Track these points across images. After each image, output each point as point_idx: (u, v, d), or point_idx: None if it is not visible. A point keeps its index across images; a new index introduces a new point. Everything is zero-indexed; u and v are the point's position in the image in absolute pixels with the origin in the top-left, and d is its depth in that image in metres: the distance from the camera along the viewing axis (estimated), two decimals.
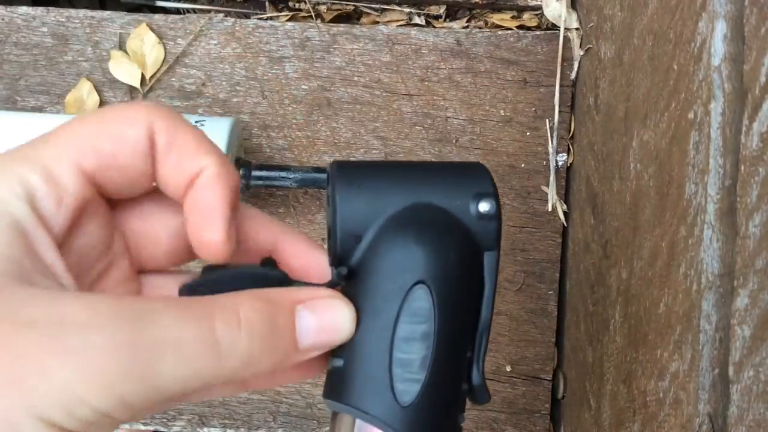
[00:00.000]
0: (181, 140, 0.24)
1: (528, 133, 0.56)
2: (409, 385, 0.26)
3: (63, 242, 0.23)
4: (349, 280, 0.28)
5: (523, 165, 0.56)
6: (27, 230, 0.21)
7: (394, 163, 0.31)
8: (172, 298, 0.23)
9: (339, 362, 0.27)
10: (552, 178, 0.55)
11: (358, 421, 0.27)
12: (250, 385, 0.28)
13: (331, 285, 0.27)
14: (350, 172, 0.29)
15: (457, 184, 0.29)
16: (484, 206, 0.29)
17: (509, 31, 0.57)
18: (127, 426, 0.55)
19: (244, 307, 0.22)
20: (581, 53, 0.55)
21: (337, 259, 0.28)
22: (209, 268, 0.27)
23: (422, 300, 0.27)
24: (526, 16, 0.59)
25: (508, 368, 0.56)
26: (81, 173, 0.23)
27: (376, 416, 0.26)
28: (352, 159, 0.39)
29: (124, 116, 0.24)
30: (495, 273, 0.29)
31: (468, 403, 0.28)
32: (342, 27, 0.56)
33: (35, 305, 0.19)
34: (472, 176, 0.29)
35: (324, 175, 0.50)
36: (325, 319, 0.25)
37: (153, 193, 0.25)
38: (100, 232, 0.24)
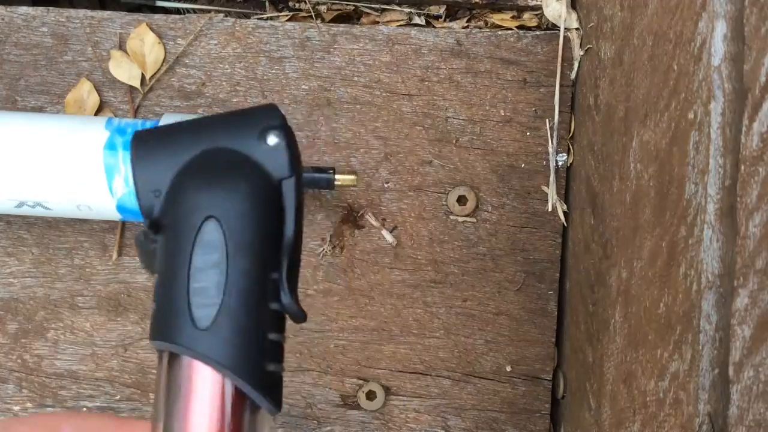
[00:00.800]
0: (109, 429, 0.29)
1: (528, 133, 0.56)
2: (206, 311, 0.28)
3: None
4: (157, 232, 0.30)
5: (523, 165, 0.56)
6: None
7: (188, 121, 0.33)
8: None
9: (153, 305, 0.29)
10: (552, 178, 0.55)
11: (172, 357, 0.28)
12: None
13: (145, 241, 0.30)
14: (147, 136, 0.32)
15: (245, 125, 0.31)
16: (272, 139, 0.31)
17: (509, 31, 0.57)
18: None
19: None
20: (581, 53, 0.55)
21: (145, 213, 0.30)
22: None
23: (213, 233, 0.29)
24: (526, 16, 0.59)
25: (508, 368, 0.56)
26: None
27: (177, 343, 0.28)
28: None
29: (38, 424, 0.28)
30: (295, 198, 0.30)
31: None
32: (342, 27, 0.56)
33: None
34: (261, 115, 0.31)
35: (324, 175, 0.50)
36: None
37: None
38: None
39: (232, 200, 0.30)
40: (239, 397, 0.28)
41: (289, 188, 0.31)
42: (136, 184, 0.30)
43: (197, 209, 0.29)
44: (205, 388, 0.27)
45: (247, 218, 0.30)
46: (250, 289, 0.29)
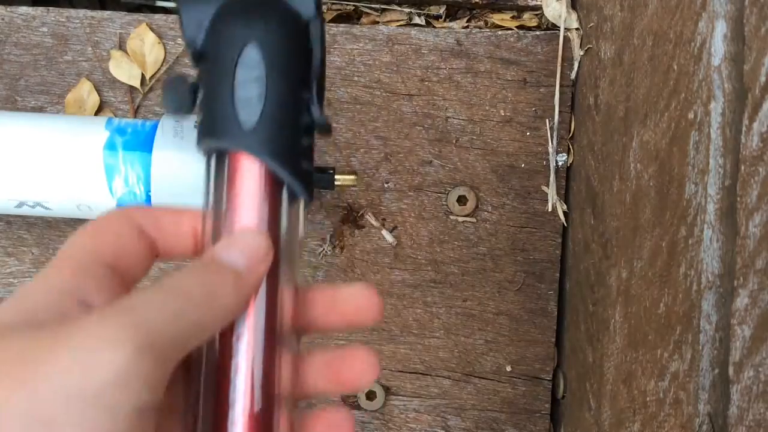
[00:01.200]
0: (165, 216, 0.31)
1: (528, 133, 0.56)
2: (250, 116, 0.32)
3: None
4: (201, 61, 0.34)
5: (523, 165, 0.56)
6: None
7: None
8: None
9: (200, 117, 0.34)
10: (552, 178, 0.55)
11: (220, 155, 0.33)
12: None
13: (177, 80, 0.34)
14: None
15: None
16: None
17: (509, 31, 0.57)
18: None
19: (190, 279, 0.27)
20: (581, 53, 0.55)
21: (189, 42, 0.34)
22: None
23: (253, 54, 0.33)
24: (526, 16, 0.59)
25: (508, 368, 0.56)
26: (106, 265, 0.28)
27: (228, 140, 0.32)
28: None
29: (113, 220, 0.30)
30: (320, 35, 0.35)
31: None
32: (342, 27, 0.56)
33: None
34: None
35: (324, 176, 0.50)
36: (245, 244, 0.30)
37: None
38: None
39: (270, 29, 0.34)
40: (279, 185, 0.32)
41: (315, 28, 0.35)
42: (181, 16, 0.34)
43: (239, 36, 0.33)
44: (251, 178, 0.32)
45: (283, 44, 0.34)
46: (286, 100, 0.34)
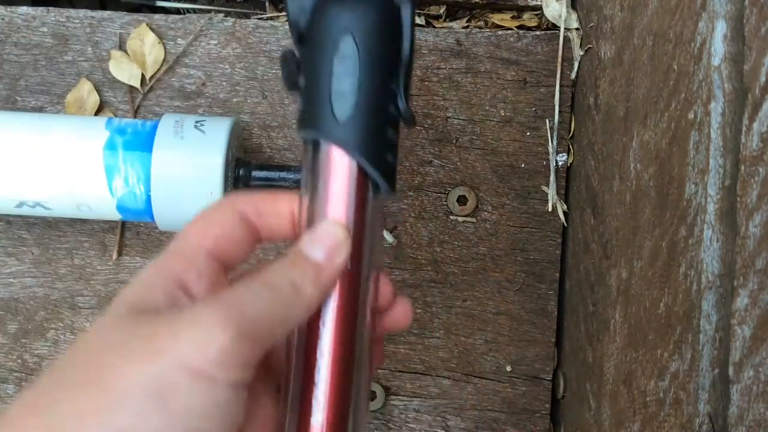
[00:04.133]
0: (265, 202, 0.35)
1: (528, 133, 0.56)
2: (344, 108, 0.35)
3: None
4: (303, 44, 0.37)
5: (523, 165, 0.56)
6: (174, 296, 0.31)
7: None
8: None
9: (300, 105, 0.37)
10: (552, 178, 0.55)
11: (316, 144, 0.36)
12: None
13: (290, 57, 0.37)
14: None
15: None
16: None
17: (509, 31, 0.57)
18: None
19: (276, 271, 0.32)
20: (581, 53, 0.55)
21: (293, 27, 0.37)
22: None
23: (348, 46, 0.36)
24: (526, 16, 0.59)
25: (508, 368, 0.56)
26: (207, 253, 0.33)
27: (322, 131, 0.35)
28: None
29: (218, 209, 0.34)
30: (411, 20, 0.37)
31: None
32: None
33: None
34: None
35: None
36: (324, 238, 0.33)
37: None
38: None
39: (366, 21, 0.37)
40: (365, 177, 0.35)
41: (406, 13, 0.37)
42: (287, 2, 0.37)
43: (337, 26, 0.36)
44: (341, 171, 0.35)
45: (376, 36, 0.37)
46: (376, 93, 0.36)
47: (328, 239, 0.33)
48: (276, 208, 0.35)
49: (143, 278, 0.31)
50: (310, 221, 0.35)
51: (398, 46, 0.38)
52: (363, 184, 0.36)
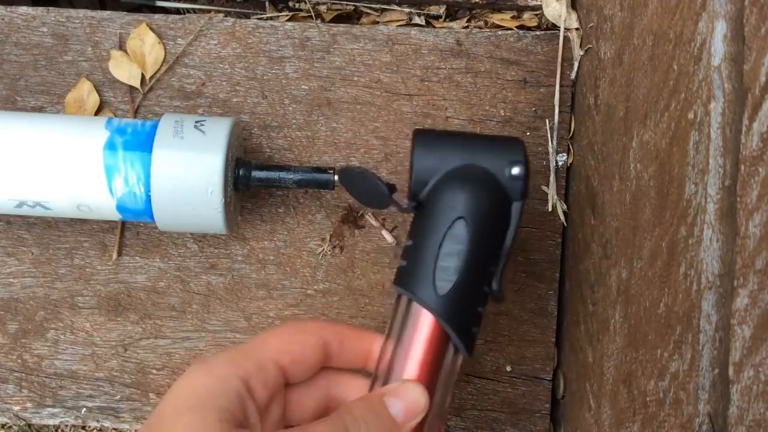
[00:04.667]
0: (350, 338, 0.39)
1: (528, 133, 0.56)
2: (446, 283, 0.39)
3: (263, 411, 0.36)
4: (417, 210, 0.42)
5: None
6: (243, 398, 0.34)
7: (458, 133, 0.46)
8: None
9: (404, 262, 0.41)
10: (552, 178, 0.55)
11: (410, 301, 0.40)
12: None
13: (408, 208, 0.42)
14: (425, 137, 0.43)
15: (498, 152, 0.42)
16: (515, 170, 0.42)
17: (509, 31, 0.57)
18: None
19: (356, 412, 0.35)
20: (581, 53, 0.55)
21: (412, 195, 0.42)
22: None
23: (461, 229, 0.40)
24: (526, 16, 0.59)
25: (508, 368, 0.56)
26: (278, 367, 0.36)
27: (421, 299, 0.40)
28: (430, 128, 0.51)
29: (305, 330, 0.38)
30: (519, 217, 0.41)
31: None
32: (342, 27, 0.56)
33: None
34: (511, 147, 0.43)
35: (324, 175, 0.50)
36: (408, 399, 0.37)
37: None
38: (279, 406, 0.38)
39: (480, 209, 0.40)
40: (448, 343, 0.40)
41: (516, 209, 0.41)
42: (413, 170, 0.42)
43: (453, 208, 0.40)
44: (431, 333, 0.40)
45: (486, 224, 0.41)
46: (476, 276, 0.40)
47: (411, 402, 0.37)
48: (360, 346, 0.39)
49: (218, 369, 0.34)
50: (391, 369, 0.40)
51: (503, 235, 0.41)
52: (447, 348, 0.40)
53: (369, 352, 0.40)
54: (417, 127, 0.49)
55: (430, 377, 0.40)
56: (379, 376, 0.41)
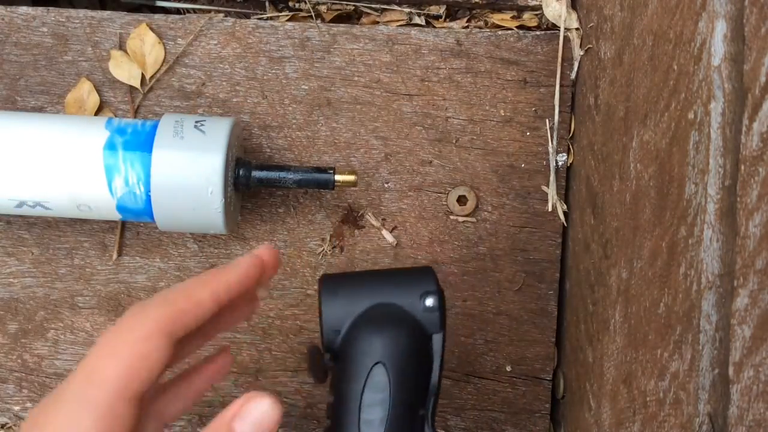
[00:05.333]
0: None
1: (528, 133, 0.56)
2: None
3: None
4: (335, 362, 0.39)
5: (523, 165, 0.56)
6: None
7: (365, 273, 0.43)
8: None
9: (328, 422, 0.39)
10: (552, 178, 0.55)
11: None
12: None
13: (324, 368, 0.39)
14: (332, 283, 0.41)
15: (408, 286, 0.40)
16: (429, 301, 0.40)
17: (509, 31, 0.57)
18: None
19: None
20: (581, 53, 0.55)
21: (325, 347, 0.40)
22: None
23: (380, 375, 0.38)
24: (526, 16, 0.59)
25: (508, 368, 0.56)
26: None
27: None
28: (334, 272, 0.48)
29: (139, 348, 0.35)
30: (441, 349, 0.39)
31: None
32: (342, 27, 0.56)
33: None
34: (421, 278, 0.41)
35: (324, 175, 0.50)
36: (253, 418, 0.33)
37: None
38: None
39: (398, 351, 0.38)
40: None
41: (437, 341, 0.39)
42: (322, 322, 0.40)
43: (369, 354, 0.38)
44: None
45: (407, 365, 0.39)
46: (404, 422, 0.38)
47: (259, 418, 0.34)
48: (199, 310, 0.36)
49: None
50: None
51: (428, 372, 0.39)
52: None
53: (215, 296, 0.36)
54: (325, 272, 0.47)
55: None
56: None
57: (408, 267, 0.47)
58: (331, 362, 0.39)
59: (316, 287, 0.55)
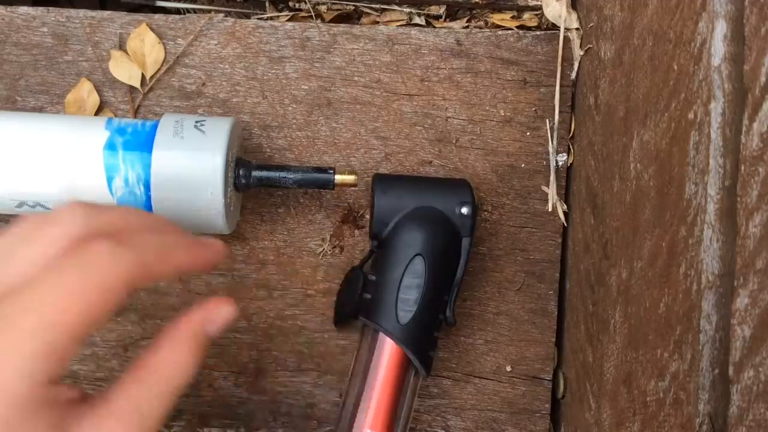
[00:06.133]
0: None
1: (528, 133, 0.56)
2: (407, 314, 0.46)
3: None
4: (379, 248, 0.48)
5: (523, 165, 0.56)
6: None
7: (412, 178, 0.52)
8: None
9: (368, 296, 0.48)
10: (552, 178, 0.55)
11: (376, 332, 0.47)
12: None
13: (369, 253, 0.50)
14: (384, 183, 0.50)
15: (449, 194, 0.49)
16: (464, 209, 0.48)
17: (509, 31, 0.57)
18: None
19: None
20: (581, 53, 0.55)
21: (373, 235, 0.49)
22: None
23: (419, 264, 0.46)
24: (526, 16, 0.59)
25: (508, 368, 0.56)
26: None
27: (385, 328, 0.46)
28: (387, 172, 0.55)
29: None
30: (468, 250, 0.48)
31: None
32: (342, 27, 0.56)
33: None
34: (460, 189, 0.49)
35: (324, 175, 0.50)
36: (222, 320, 0.38)
37: None
38: None
39: (435, 246, 0.47)
40: (409, 365, 0.47)
41: (466, 244, 0.48)
42: (375, 213, 0.48)
43: (412, 245, 0.47)
44: (393, 358, 0.47)
45: (441, 259, 0.47)
46: (432, 305, 0.47)
47: (216, 314, 0.38)
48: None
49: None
50: (360, 392, 0.47)
51: (456, 268, 0.48)
52: (408, 370, 0.47)
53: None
54: (377, 172, 0.53)
55: (395, 397, 0.46)
56: (348, 400, 0.48)
57: (449, 177, 0.53)
58: (377, 248, 0.48)
59: (315, 287, 0.55)
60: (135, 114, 0.55)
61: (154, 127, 0.48)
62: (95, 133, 0.48)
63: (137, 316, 0.55)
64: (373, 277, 0.47)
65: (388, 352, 0.46)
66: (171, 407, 0.34)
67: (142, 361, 0.34)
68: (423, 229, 0.46)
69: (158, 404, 0.33)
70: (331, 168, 0.50)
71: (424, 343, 0.47)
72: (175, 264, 0.36)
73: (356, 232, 0.55)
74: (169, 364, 0.35)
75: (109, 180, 0.47)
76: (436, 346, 0.48)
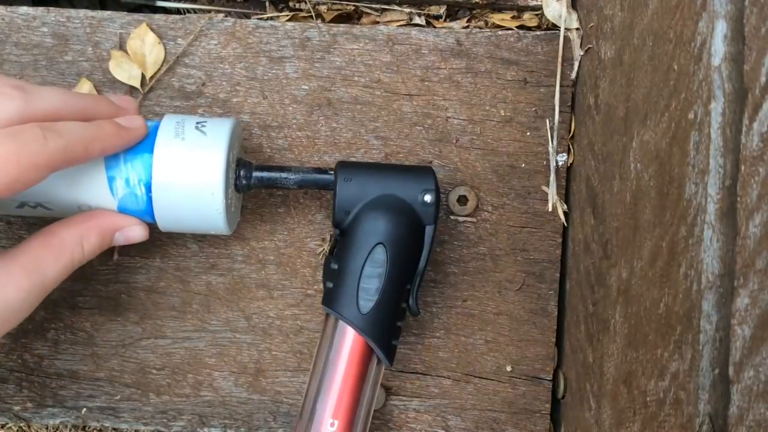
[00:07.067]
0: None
1: (528, 133, 0.56)
2: (368, 303, 0.46)
3: None
4: (341, 237, 0.48)
5: (523, 165, 0.56)
6: None
7: (375, 165, 0.51)
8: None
9: (330, 284, 0.47)
10: (552, 178, 0.55)
11: (337, 320, 0.47)
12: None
13: (334, 241, 0.49)
14: (346, 170, 0.48)
15: (412, 182, 0.48)
16: (427, 197, 0.47)
17: (509, 31, 0.57)
18: None
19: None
20: (581, 53, 0.55)
21: (335, 223, 0.48)
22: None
23: (380, 254, 0.46)
24: (526, 16, 0.59)
25: (509, 368, 0.56)
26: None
27: (346, 317, 0.46)
28: (351, 159, 0.55)
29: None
30: (432, 238, 0.47)
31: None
32: (342, 27, 0.56)
33: None
34: (423, 177, 0.48)
35: (324, 176, 0.50)
36: (132, 238, 0.47)
37: None
38: None
39: (397, 235, 0.46)
40: (372, 354, 0.47)
41: (429, 232, 0.47)
42: (336, 201, 0.47)
43: (374, 234, 0.46)
44: (355, 347, 0.47)
45: (403, 248, 0.47)
46: (395, 295, 0.47)
47: (130, 234, 0.47)
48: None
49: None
50: (321, 381, 0.47)
51: (418, 257, 0.47)
52: (371, 359, 0.47)
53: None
54: (341, 160, 0.54)
55: (358, 386, 0.46)
56: (310, 389, 0.48)
57: (413, 165, 0.53)
58: (339, 237, 0.47)
59: (315, 287, 0.55)
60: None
61: (155, 128, 0.48)
62: None
63: (137, 316, 0.55)
64: (335, 266, 0.47)
65: (350, 341, 0.46)
66: (65, 277, 0.43)
67: (54, 229, 0.44)
68: (385, 217, 0.46)
69: (57, 270, 0.42)
70: (331, 169, 0.50)
71: (386, 332, 0.47)
72: (98, 152, 0.43)
73: None
74: (76, 242, 0.43)
75: (110, 181, 0.47)
76: (399, 336, 0.48)
